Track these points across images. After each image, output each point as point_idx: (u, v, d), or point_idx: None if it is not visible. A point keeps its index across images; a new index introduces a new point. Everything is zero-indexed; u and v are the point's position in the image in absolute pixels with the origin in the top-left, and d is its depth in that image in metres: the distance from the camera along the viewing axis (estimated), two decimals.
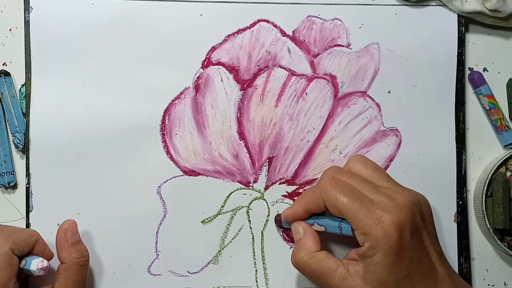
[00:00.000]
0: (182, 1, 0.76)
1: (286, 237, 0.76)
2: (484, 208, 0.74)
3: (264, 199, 0.76)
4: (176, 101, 0.75)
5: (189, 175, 0.75)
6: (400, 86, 0.77)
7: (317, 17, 0.77)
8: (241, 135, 0.76)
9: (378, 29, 0.77)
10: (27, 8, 0.75)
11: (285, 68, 0.76)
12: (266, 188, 0.76)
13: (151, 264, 0.75)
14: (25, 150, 0.75)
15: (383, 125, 0.77)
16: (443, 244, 0.72)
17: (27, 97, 0.75)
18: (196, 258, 0.75)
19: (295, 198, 0.76)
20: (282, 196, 0.76)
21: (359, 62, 0.77)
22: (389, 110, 0.77)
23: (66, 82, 0.75)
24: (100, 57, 0.75)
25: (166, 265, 0.75)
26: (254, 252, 0.75)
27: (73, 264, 0.69)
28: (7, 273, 0.65)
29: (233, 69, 0.76)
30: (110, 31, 0.75)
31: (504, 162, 0.76)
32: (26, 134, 0.74)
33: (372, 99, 0.77)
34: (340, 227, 0.66)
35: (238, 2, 0.76)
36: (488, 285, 0.78)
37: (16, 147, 0.75)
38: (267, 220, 0.76)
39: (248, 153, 0.76)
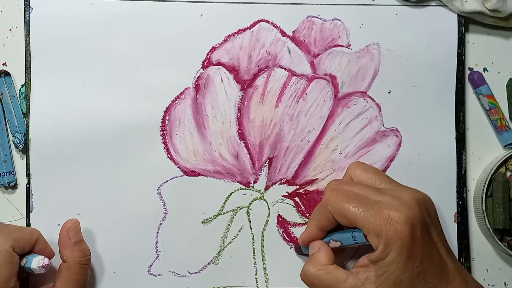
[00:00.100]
0: (182, 1, 0.76)
1: (286, 237, 0.76)
2: (484, 208, 0.74)
3: (265, 200, 0.76)
4: (176, 101, 0.75)
5: (189, 176, 0.75)
6: (400, 86, 0.77)
7: (317, 17, 0.77)
8: (241, 135, 0.76)
9: (378, 29, 0.77)
10: (27, 8, 0.75)
11: (285, 69, 0.76)
12: (267, 188, 0.76)
13: (151, 264, 0.75)
14: (25, 150, 0.75)
15: (383, 125, 0.77)
16: None
17: (27, 97, 0.75)
18: (196, 258, 0.75)
19: (296, 198, 0.76)
20: (283, 196, 0.76)
21: (359, 62, 0.77)
22: (389, 110, 0.77)
23: (66, 82, 0.75)
24: (100, 57, 0.75)
25: (166, 265, 0.75)
26: (254, 252, 0.76)
27: (75, 263, 0.69)
28: (8, 271, 0.65)
29: (233, 70, 0.76)
30: (110, 31, 0.75)
31: (504, 162, 0.76)
32: (26, 134, 0.74)
33: (372, 99, 0.77)
34: (353, 237, 0.65)
35: (238, 3, 0.76)
36: (488, 285, 0.78)
37: (16, 147, 0.75)
38: (267, 221, 0.76)
39: (248, 154, 0.76)
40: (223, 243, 0.75)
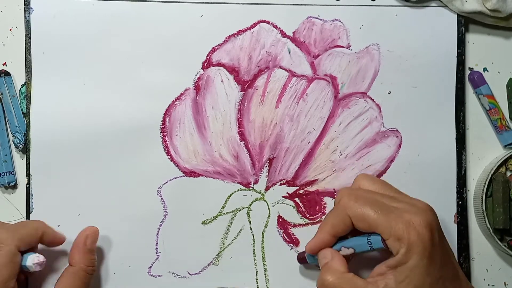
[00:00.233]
0: (182, 2, 0.76)
1: (286, 238, 0.76)
2: (484, 208, 0.74)
3: (265, 200, 0.76)
4: (177, 102, 0.75)
5: (190, 176, 0.75)
6: (400, 87, 0.77)
7: (317, 18, 0.77)
8: (242, 136, 0.76)
9: (378, 30, 0.77)
10: (27, 8, 0.75)
11: (285, 69, 0.76)
12: (267, 189, 0.76)
13: (152, 265, 0.75)
14: (25, 150, 0.75)
15: (384, 126, 0.77)
16: None
17: (27, 97, 0.75)
18: (197, 259, 0.75)
19: (296, 199, 0.76)
20: (283, 197, 0.76)
21: (359, 63, 0.77)
22: (389, 111, 0.77)
23: (66, 82, 0.75)
24: (101, 57, 0.75)
25: (166, 266, 0.75)
26: (254, 253, 0.76)
27: (81, 270, 0.69)
28: (9, 271, 0.65)
29: (233, 70, 0.76)
30: (111, 31, 0.75)
31: (504, 162, 0.76)
32: (26, 134, 0.74)
33: (373, 100, 0.77)
34: (369, 242, 0.64)
35: (239, 3, 0.76)
36: (488, 285, 0.78)
37: (16, 147, 0.75)
38: (267, 221, 0.76)
39: (249, 154, 0.76)
40: (223, 243, 0.75)
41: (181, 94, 0.75)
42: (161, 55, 0.75)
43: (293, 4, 0.76)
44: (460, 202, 0.77)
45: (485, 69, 0.79)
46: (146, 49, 0.75)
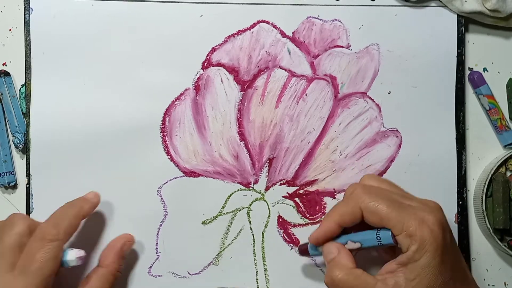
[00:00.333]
0: (182, 2, 0.76)
1: (286, 238, 0.76)
2: (484, 208, 0.74)
3: (265, 200, 0.76)
4: (176, 102, 0.75)
5: (190, 176, 0.75)
6: (400, 87, 0.77)
7: (317, 18, 0.77)
8: (242, 136, 0.76)
9: (378, 30, 0.77)
10: (27, 8, 0.75)
11: (285, 69, 0.76)
12: (267, 189, 0.76)
13: (152, 265, 0.75)
14: (25, 150, 0.75)
15: (383, 126, 0.77)
16: None
17: (27, 97, 0.75)
18: (197, 259, 0.75)
19: (296, 199, 0.76)
20: (283, 197, 0.76)
21: (359, 63, 0.77)
22: (389, 111, 0.77)
23: (66, 82, 0.75)
24: (100, 58, 0.75)
25: (166, 266, 0.75)
26: (254, 253, 0.76)
27: (110, 272, 0.70)
28: (53, 267, 0.65)
29: (233, 70, 0.76)
30: (111, 32, 0.75)
31: (504, 162, 0.76)
32: (26, 134, 0.74)
33: (372, 100, 0.77)
34: (378, 237, 0.63)
35: (238, 3, 0.76)
36: (488, 285, 0.78)
37: (16, 147, 0.75)
38: (267, 221, 0.76)
39: (249, 154, 0.76)
40: (224, 243, 0.75)
41: (181, 94, 0.75)
42: (161, 55, 0.75)
43: (292, 4, 0.76)
44: (460, 202, 0.77)
45: (485, 69, 0.79)
46: (146, 49, 0.76)
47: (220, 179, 0.75)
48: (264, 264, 0.75)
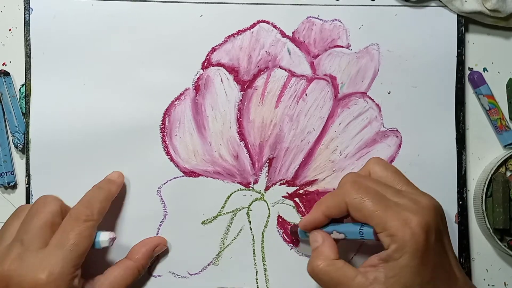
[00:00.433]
0: (182, 2, 0.76)
1: (286, 238, 0.76)
2: (484, 208, 0.74)
3: (265, 200, 0.76)
4: (176, 102, 0.75)
5: (189, 176, 0.75)
6: (400, 87, 0.77)
7: (317, 18, 0.76)
8: (241, 136, 0.75)
9: (378, 30, 0.77)
10: (27, 8, 0.75)
11: (285, 69, 0.76)
12: (267, 189, 0.76)
13: (152, 265, 0.75)
14: (24, 150, 0.75)
15: (383, 126, 0.76)
16: None
17: (27, 97, 0.75)
18: (196, 259, 0.75)
19: (296, 199, 0.76)
20: (283, 197, 0.76)
21: (359, 63, 0.77)
22: (389, 111, 0.77)
23: (66, 82, 0.75)
24: (100, 58, 0.75)
25: (166, 266, 0.75)
26: (254, 253, 0.76)
27: (137, 268, 0.71)
28: (87, 244, 0.67)
29: (233, 70, 0.76)
30: (110, 32, 0.75)
31: (504, 162, 0.76)
32: (26, 134, 0.74)
33: (372, 100, 0.77)
34: (361, 232, 0.64)
35: (238, 3, 0.76)
36: (488, 285, 0.78)
37: (16, 147, 0.75)
38: (267, 221, 0.76)
39: (248, 154, 0.76)
40: (223, 243, 0.75)
41: (181, 94, 0.75)
42: (161, 55, 0.75)
43: (292, 4, 0.76)
44: (460, 202, 0.77)
45: (485, 69, 0.79)
46: (146, 49, 0.75)
47: (220, 179, 0.75)
48: (264, 264, 0.75)
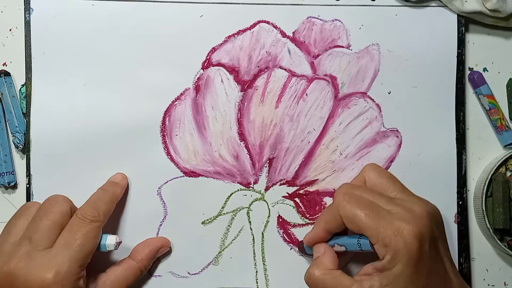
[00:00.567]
0: (182, 2, 0.76)
1: (286, 238, 0.76)
2: (484, 208, 0.74)
3: (265, 200, 0.76)
4: (176, 102, 0.75)
5: (190, 176, 0.75)
6: (400, 87, 0.77)
7: (317, 18, 0.76)
8: (242, 136, 0.76)
9: (378, 30, 0.77)
10: (27, 8, 0.75)
11: (285, 69, 0.76)
12: (267, 189, 0.76)
13: (152, 265, 0.75)
14: (25, 150, 0.75)
15: (384, 126, 0.76)
16: None
17: (28, 97, 0.75)
18: (197, 259, 0.75)
19: (296, 199, 0.76)
20: (283, 197, 0.76)
21: (359, 63, 0.77)
22: (389, 111, 0.77)
23: (66, 82, 0.75)
24: (101, 58, 0.75)
25: (166, 266, 0.75)
26: (254, 253, 0.76)
27: (139, 268, 0.72)
28: (93, 245, 0.67)
29: (233, 70, 0.76)
30: (111, 32, 0.75)
31: (504, 162, 0.76)
32: (27, 134, 0.74)
33: (373, 100, 0.77)
34: (359, 244, 0.65)
35: (238, 3, 0.76)
36: (488, 285, 0.78)
37: (16, 147, 0.75)
38: (267, 221, 0.76)
39: (249, 154, 0.76)
40: (223, 243, 0.75)
41: (181, 94, 0.75)
42: (161, 55, 0.75)
43: (293, 4, 0.76)
44: (460, 202, 0.77)
45: (485, 69, 0.79)
46: (146, 49, 0.75)
47: (220, 179, 0.75)
48: (264, 264, 0.75)
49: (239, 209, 0.76)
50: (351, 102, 0.76)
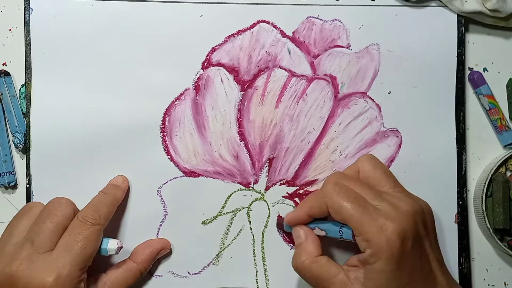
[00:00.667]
0: (182, 2, 0.76)
1: (286, 238, 0.76)
2: (484, 208, 0.74)
3: (265, 200, 0.76)
4: (176, 102, 0.75)
5: (190, 176, 0.75)
6: (400, 87, 0.77)
7: (317, 18, 0.76)
8: (242, 136, 0.75)
9: (378, 30, 0.77)
10: (27, 8, 0.75)
11: (285, 69, 0.76)
12: (267, 189, 0.76)
13: (152, 265, 0.74)
14: (25, 150, 0.75)
15: (384, 126, 0.76)
16: (443, 244, 0.73)
17: (27, 97, 0.75)
18: (197, 259, 0.75)
19: (296, 199, 0.76)
20: (283, 197, 0.76)
21: (359, 63, 0.77)
22: (389, 111, 0.77)
23: (66, 82, 0.75)
24: (100, 58, 0.75)
25: (166, 266, 0.75)
26: (254, 253, 0.76)
27: (139, 270, 0.72)
28: (94, 248, 0.67)
29: (233, 70, 0.76)
30: (110, 32, 0.75)
31: (504, 162, 0.76)
32: (27, 134, 0.74)
33: (372, 100, 0.77)
34: (341, 232, 0.66)
35: (238, 3, 0.76)
36: (488, 285, 0.78)
37: (16, 147, 0.75)
38: (267, 221, 0.76)
39: (249, 154, 0.76)
40: (223, 243, 0.75)
41: (181, 94, 0.75)
42: (161, 55, 0.75)
43: (293, 4, 0.76)
44: (460, 202, 0.77)
45: (485, 69, 0.79)
46: (146, 49, 0.75)
47: (220, 179, 0.75)
48: (264, 264, 0.75)
49: (239, 209, 0.76)
50: (351, 102, 0.76)
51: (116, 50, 0.75)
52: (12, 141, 0.75)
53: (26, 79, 0.75)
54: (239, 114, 0.76)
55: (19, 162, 0.77)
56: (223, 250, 0.75)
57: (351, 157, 0.76)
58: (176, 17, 0.76)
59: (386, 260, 0.60)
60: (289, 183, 0.76)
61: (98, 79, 0.75)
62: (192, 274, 0.75)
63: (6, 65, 0.77)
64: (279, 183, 0.76)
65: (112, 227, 0.74)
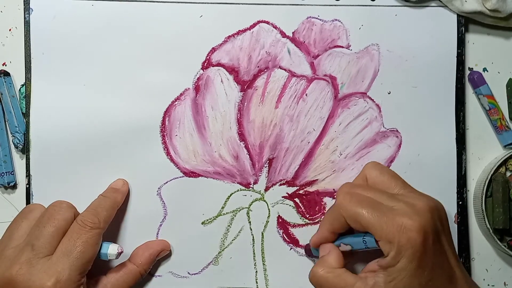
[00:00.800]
0: (182, 2, 0.76)
1: (286, 238, 0.76)
2: (484, 208, 0.74)
3: (265, 200, 0.76)
4: (176, 102, 0.75)
5: (189, 177, 0.75)
6: (400, 87, 0.77)
7: (317, 18, 0.76)
8: (241, 136, 0.75)
9: (378, 30, 0.77)
10: (27, 8, 0.75)
11: (285, 69, 0.76)
12: (267, 189, 0.76)
13: (152, 265, 0.75)
14: (24, 150, 0.75)
15: (383, 126, 0.76)
16: None
17: (27, 97, 0.75)
18: (196, 259, 0.75)
19: (295, 199, 0.76)
20: (283, 197, 0.76)
21: (359, 63, 0.77)
22: (389, 111, 0.77)
23: (66, 82, 0.75)
24: (100, 58, 0.75)
25: (166, 266, 0.75)
26: (254, 253, 0.76)
27: (139, 272, 0.72)
28: (93, 252, 0.67)
29: (233, 70, 0.76)
30: (110, 32, 0.75)
31: (504, 162, 0.76)
32: (26, 134, 0.74)
33: (372, 100, 0.76)
34: (364, 241, 0.65)
35: (238, 4, 0.76)
36: (488, 285, 0.78)
37: (16, 147, 0.75)
38: (267, 221, 0.76)
39: (248, 154, 0.76)
40: (223, 244, 0.75)
41: (181, 94, 0.75)
42: (161, 55, 0.75)
43: (292, 4, 0.76)
44: (460, 202, 0.77)
45: (485, 69, 0.79)
46: (146, 49, 0.75)
47: (220, 179, 0.75)
48: (264, 264, 0.76)
49: (239, 209, 0.76)
50: (351, 102, 0.76)
51: (116, 50, 0.75)
52: (12, 141, 0.76)
53: (26, 79, 0.75)
54: (239, 114, 0.76)
55: (19, 162, 0.77)
56: (223, 250, 0.75)
57: (351, 157, 0.76)
58: (176, 17, 0.76)
59: (409, 258, 0.60)
60: (289, 183, 0.76)
61: (98, 79, 0.75)
62: (192, 274, 0.75)
63: (6, 65, 0.77)
64: (279, 183, 0.76)
65: (112, 228, 0.74)
